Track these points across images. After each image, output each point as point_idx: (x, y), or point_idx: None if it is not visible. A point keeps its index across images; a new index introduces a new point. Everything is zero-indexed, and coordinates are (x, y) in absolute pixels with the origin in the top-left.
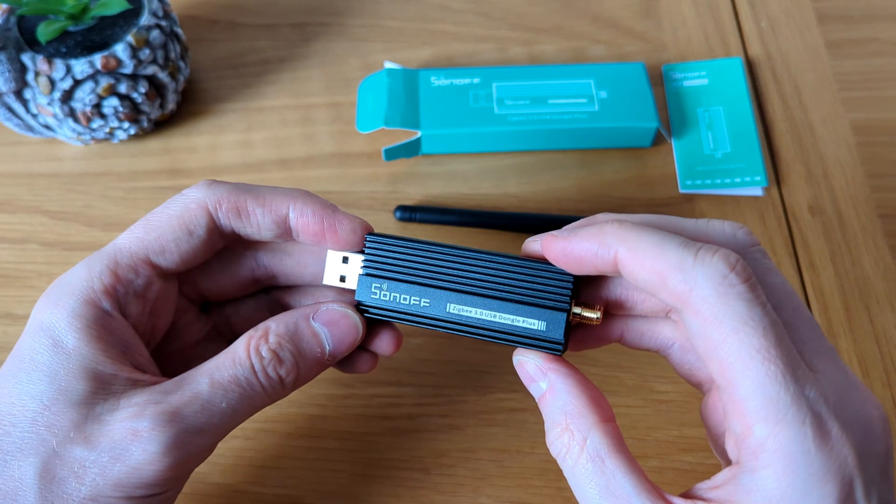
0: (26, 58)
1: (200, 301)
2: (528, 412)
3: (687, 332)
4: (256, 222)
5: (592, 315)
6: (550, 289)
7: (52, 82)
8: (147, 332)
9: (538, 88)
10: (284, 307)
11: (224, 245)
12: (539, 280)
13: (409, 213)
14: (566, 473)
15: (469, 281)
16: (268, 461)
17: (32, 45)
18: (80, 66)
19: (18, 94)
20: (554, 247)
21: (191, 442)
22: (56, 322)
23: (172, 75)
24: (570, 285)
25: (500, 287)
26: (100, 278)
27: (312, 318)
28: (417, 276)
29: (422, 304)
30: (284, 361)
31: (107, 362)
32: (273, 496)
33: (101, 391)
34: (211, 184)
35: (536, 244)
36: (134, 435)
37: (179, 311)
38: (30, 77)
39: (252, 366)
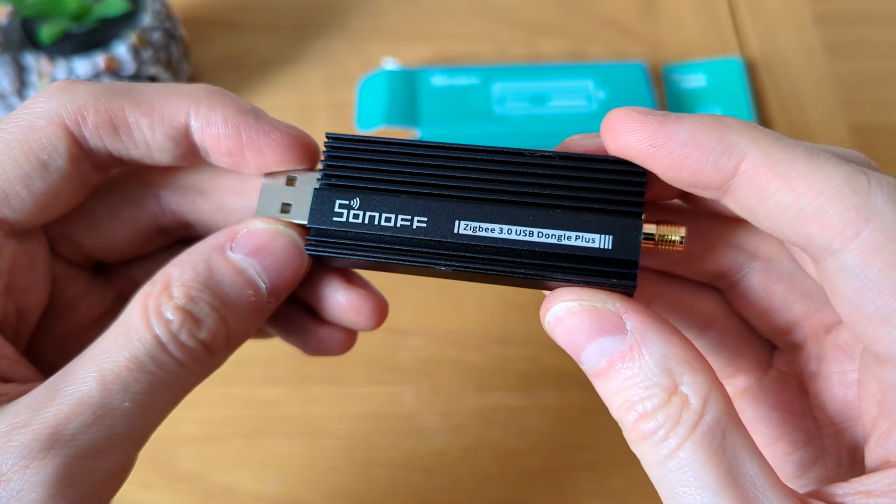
0: (29, 58)
1: (91, 264)
2: (528, 412)
3: (833, 286)
4: (143, 139)
5: (674, 236)
6: (611, 187)
7: None
8: (10, 318)
9: (538, 89)
10: None
11: (104, 179)
12: (590, 177)
13: None
14: (655, 460)
15: (487, 185)
16: (268, 460)
17: (35, 45)
18: (83, 67)
19: (21, 94)
20: (642, 132)
21: (89, 470)
22: None
23: (174, 76)
24: (642, 179)
25: (535, 189)
26: None
27: (230, 248)
28: (407, 184)
29: (415, 224)
30: (203, 320)
31: None
32: (273, 495)
33: None
34: (68, 86)
35: (591, 138)
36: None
37: (60, 280)
38: (32, 78)
39: (156, 338)
